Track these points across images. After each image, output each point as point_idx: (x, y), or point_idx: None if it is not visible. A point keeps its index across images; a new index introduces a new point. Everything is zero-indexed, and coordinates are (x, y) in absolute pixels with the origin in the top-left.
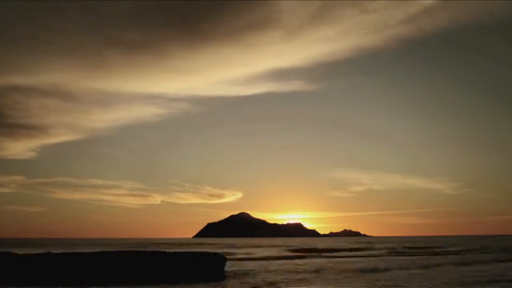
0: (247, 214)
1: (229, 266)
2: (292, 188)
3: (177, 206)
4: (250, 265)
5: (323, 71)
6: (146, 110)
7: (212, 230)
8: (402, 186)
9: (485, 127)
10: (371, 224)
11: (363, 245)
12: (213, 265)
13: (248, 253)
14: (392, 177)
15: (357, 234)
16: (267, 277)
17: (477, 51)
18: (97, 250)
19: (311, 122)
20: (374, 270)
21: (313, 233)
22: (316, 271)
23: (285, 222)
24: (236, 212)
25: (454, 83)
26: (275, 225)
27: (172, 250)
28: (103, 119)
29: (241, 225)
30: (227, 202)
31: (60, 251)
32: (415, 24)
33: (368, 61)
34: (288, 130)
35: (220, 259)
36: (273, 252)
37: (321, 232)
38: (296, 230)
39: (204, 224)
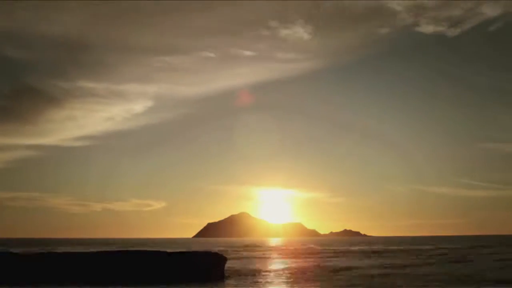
0: (247, 214)
1: (229, 266)
2: (202, 199)
3: (116, 212)
4: (250, 265)
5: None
6: (29, 153)
7: (212, 230)
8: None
9: (340, 141)
10: None
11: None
12: (214, 265)
13: (247, 253)
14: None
15: (357, 234)
16: (266, 276)
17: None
18: (97, 250)
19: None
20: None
21: (313, 233)
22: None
23: (284, 222)
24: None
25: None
26: (275, 225)
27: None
28: (6, 157)
29: (241, 225)
30: (157, 209)
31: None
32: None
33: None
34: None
35: (220, 259)
36: (271, 252)
37: (321, 232)
38: (297, 230)
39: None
